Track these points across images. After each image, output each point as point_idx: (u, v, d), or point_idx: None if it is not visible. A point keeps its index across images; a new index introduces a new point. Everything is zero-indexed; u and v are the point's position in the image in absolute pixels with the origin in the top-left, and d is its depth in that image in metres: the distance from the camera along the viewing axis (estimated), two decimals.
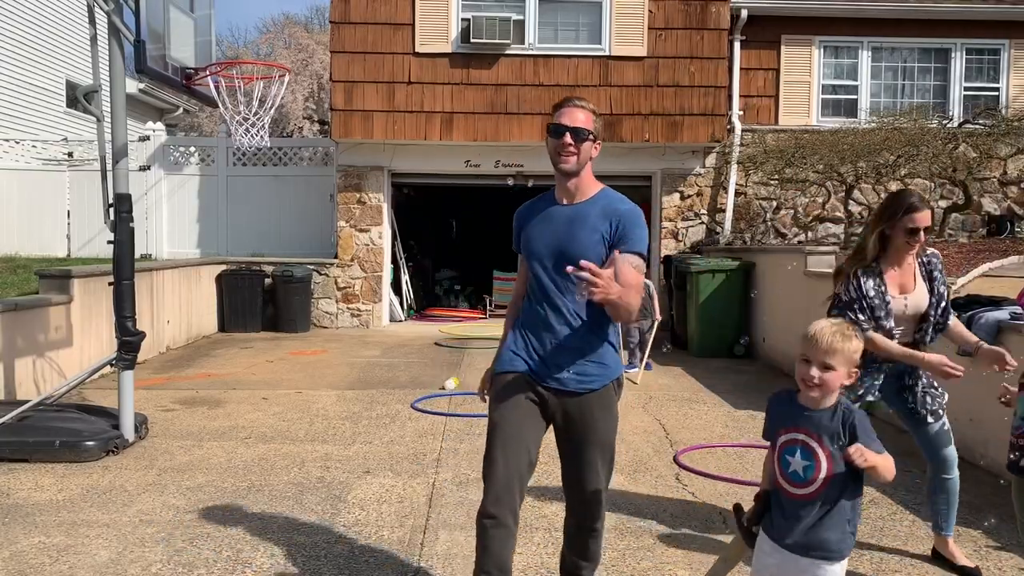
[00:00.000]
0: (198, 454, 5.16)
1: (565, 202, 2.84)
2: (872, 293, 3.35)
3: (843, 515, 2.28)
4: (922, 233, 3.33)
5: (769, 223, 11.73)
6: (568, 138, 2.75)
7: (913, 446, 5.55)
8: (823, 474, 2.27)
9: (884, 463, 2.28)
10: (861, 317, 3.33)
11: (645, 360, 8.31)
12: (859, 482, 2.31)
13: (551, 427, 2.87)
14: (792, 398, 2.38)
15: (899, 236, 3.34)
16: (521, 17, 11.01)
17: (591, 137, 2.78)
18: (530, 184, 11.45)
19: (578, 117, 2.77)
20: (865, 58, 11.88)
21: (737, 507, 2.55)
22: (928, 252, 3.49)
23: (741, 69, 11.66)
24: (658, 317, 8.37)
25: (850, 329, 2.33)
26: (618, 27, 11.06)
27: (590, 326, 2.79)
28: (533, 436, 2.78)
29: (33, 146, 12.80)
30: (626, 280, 2.61)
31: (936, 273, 3.46)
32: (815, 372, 2.28)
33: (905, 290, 3.41)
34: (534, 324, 2.82)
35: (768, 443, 2.47)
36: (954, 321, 3.48)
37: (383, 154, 11.54)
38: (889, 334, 3.36)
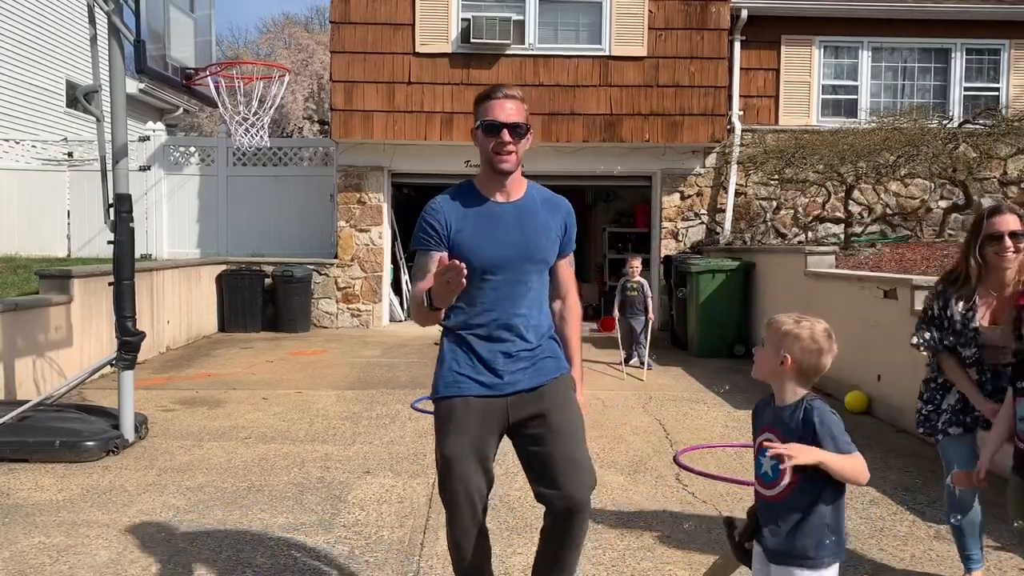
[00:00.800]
0: (198, 454, 5.16)
1: (502, 199, 2.61)
2: (957, 317, 3.09)
3: (821, 520, 2.13)
4: (1008, 239, 2.94)
5: (769, 223, 11.73)
6: (506, 135, 2.52)
7: (916, 447, 5.56)
8: (788, 476, 2.12)
9: (841, 462, 2.08)
10: (936, 335, 3.13)
11: (646, 360, 8.37)
12: (838, 486, 2.15)
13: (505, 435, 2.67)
14: (771, 401, 2.28)
15: (986, 248, 3.00)
16: (521, 17, 11.01)
17: (527, 132, 2.57)
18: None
19: (511, 110, 2.54)
20: (865, 58, 11.88)
21: (728, 521, 2.42)
22: None
23: (741, 69, 11.66)
24: (651, 316, 8.66)
25: (803, 324, 2.18)
26: (618, 27, 11.06)
27: (542, 329, 2.67)
28: (490, 456, 2.61)
29: (33, 146, 12.80)
30: (571, 286, 2.78)
31: None
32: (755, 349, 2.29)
33: (997, 320, 3.05)
34: (480, 337, 2.58)
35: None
36: None
37: (383, 154, 11.54)
38: (963, 361, 3.13)
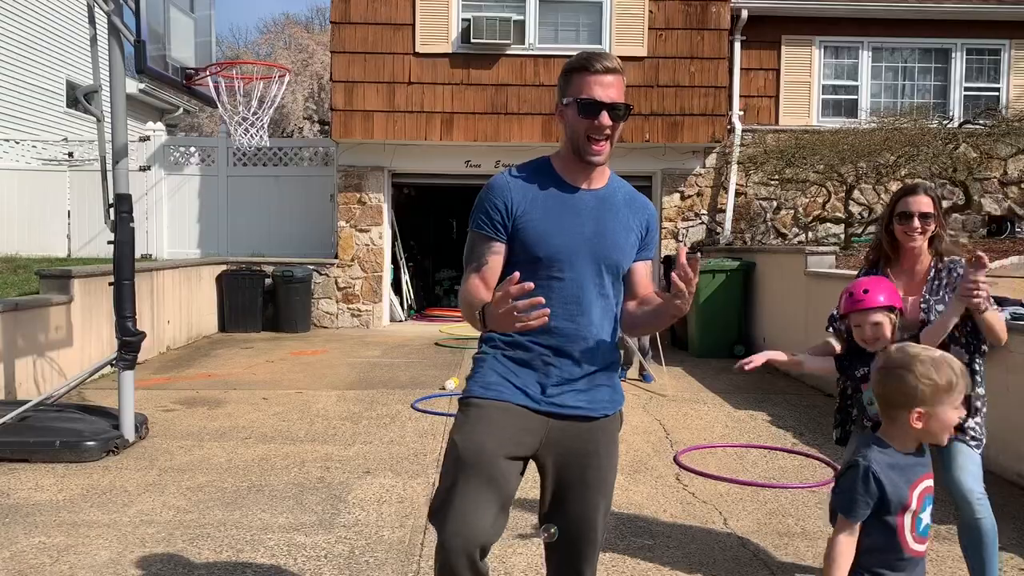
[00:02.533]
0: (198, 454, 5.16)
1: (583, 185, 2.23)
2: None
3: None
4: (917, 220, 2.95)
5: (769, 223, 11.73)
6: (606, 119, 2.11)
7: None
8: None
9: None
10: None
11: (647, 369, 7.85)
12: None
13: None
14: (885, 446, 2.04)
15: (894, 225, 3.01)
16: (521, 17, 11.01)
17: (627, 113, 2.17)
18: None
19: (612, 88, 2.11)
20: (865, 58, 11.88)
21: None
22: (951, 259, 3.01)
23: (741, 69, 11.66)
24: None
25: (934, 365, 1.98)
26: (618, 27, 11.06)
27: (611, 342, 2.26)
28: (518, 476, 2.18)
29: (33, 146, 12.80)
30: (650, 288, 2.33)
31: (951, 279, 2.95)
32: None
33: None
34: (537, 345, 2.18)
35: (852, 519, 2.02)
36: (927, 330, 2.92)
37: (383, 154, 11.54)
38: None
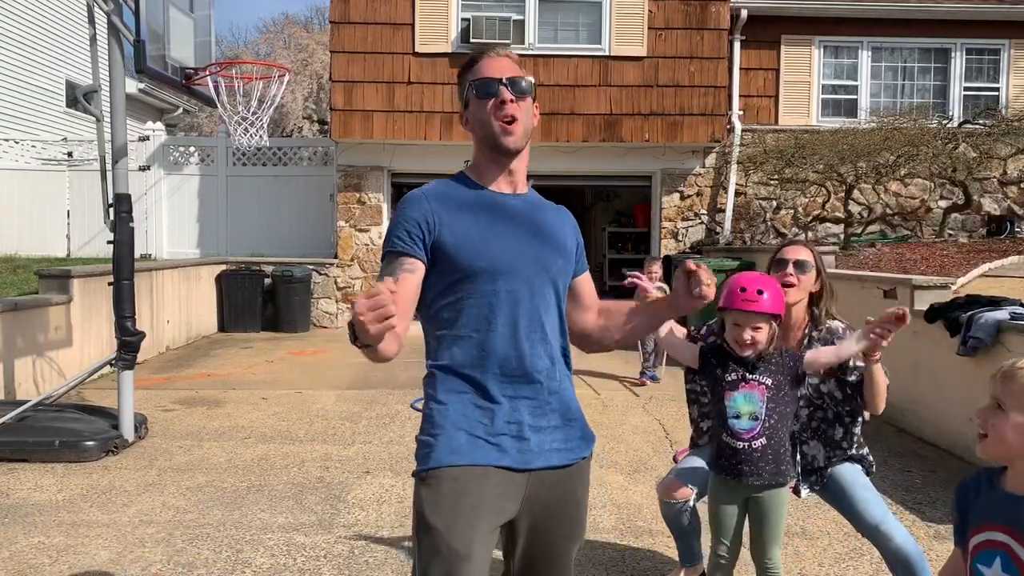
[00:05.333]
0: (198, 454, 5.16)
1: (507, 190, 1.96)
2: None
3: None
4: (791, 267, 2.82)
5: (769, 223, 11.73)
6: (506, 93, 1.88)
7: (916, 447, 5.57)
8: None
9: None
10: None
11: (652, 371, 7.67)
12: None
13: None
14: (993, 481, 1.65)
15: (772, 272, 2.86)
16: (521, 17, 11.01)
17: (531, 93, 1.94)
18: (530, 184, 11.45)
19: (508, 67, 1.92)
20: (865, 58, 11.88)
21: None
22: (837, 325, 2.87)
23: (741, 69, 11.66)
24: None
25: None
26: (618, 27, 11.05)
27: (568, 366, 1.98)
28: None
29: (33, 146, 12.79)
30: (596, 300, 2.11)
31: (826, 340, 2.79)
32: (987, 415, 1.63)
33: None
34: (494, 375, 1.84)
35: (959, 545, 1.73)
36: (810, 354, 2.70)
37: (383, 154, 11.54)
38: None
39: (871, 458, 2.99)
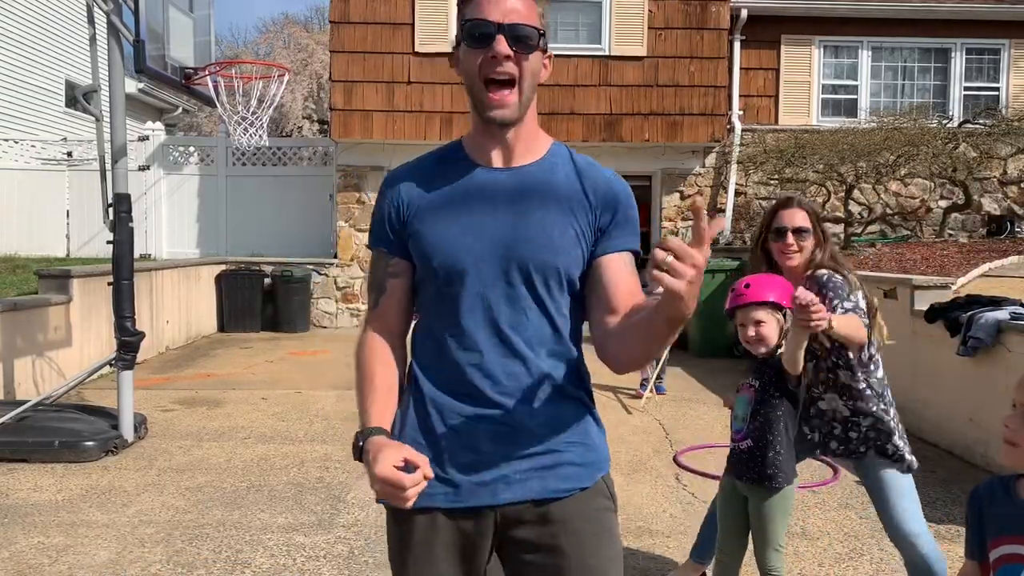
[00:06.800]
0: (197, 454, 5.16)
1: (499, 163, 1.59)
2: None
3: None
4: (791, 235, 2.75)
5: None
6: (503, 44, 1.47)
7: (915, 447, 5.56)
8: None
9: None
10: None
11: (655, 376, 7.02)
12: None
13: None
14: (1009, 490, 1.58)
15: (770, 242, 2.81)
16: None
17: (540, 43, 1.53)
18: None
19: (513, 7, 1.48)
20: (865, 58, 11.88)
21: None
22: (821, 273, 2.73)
23: (741, 69, 11.66)
24: None
25: None
26: (618, 27, 11.05)
27: (562, 374, 1.57)
28: None
29: (33, 146, 12.79)
30: (635, 296, 1.59)
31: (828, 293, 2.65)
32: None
33: None
34: (448, 393, 1.55)
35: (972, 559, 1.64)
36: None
37: (383, 154, 11.53)
38: None
39: (910, 457, 2.83)
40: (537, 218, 1.55)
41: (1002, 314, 4.88)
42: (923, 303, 5.69)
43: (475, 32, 1.48)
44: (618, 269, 1.59)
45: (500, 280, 1.54)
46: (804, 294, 2.25)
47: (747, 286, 2.55)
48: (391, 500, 1.36)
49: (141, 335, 5.44)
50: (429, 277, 1.57)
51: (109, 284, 5.41)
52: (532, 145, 1.61)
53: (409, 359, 1.64)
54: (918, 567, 2.79)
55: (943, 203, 11.18)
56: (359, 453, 1.45)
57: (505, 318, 1.53)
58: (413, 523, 1.54)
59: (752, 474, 2.61)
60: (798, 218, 2.77)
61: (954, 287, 6.40)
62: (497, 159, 1.59)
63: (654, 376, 7.01)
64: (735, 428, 2.66)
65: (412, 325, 1.65)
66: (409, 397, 1.60)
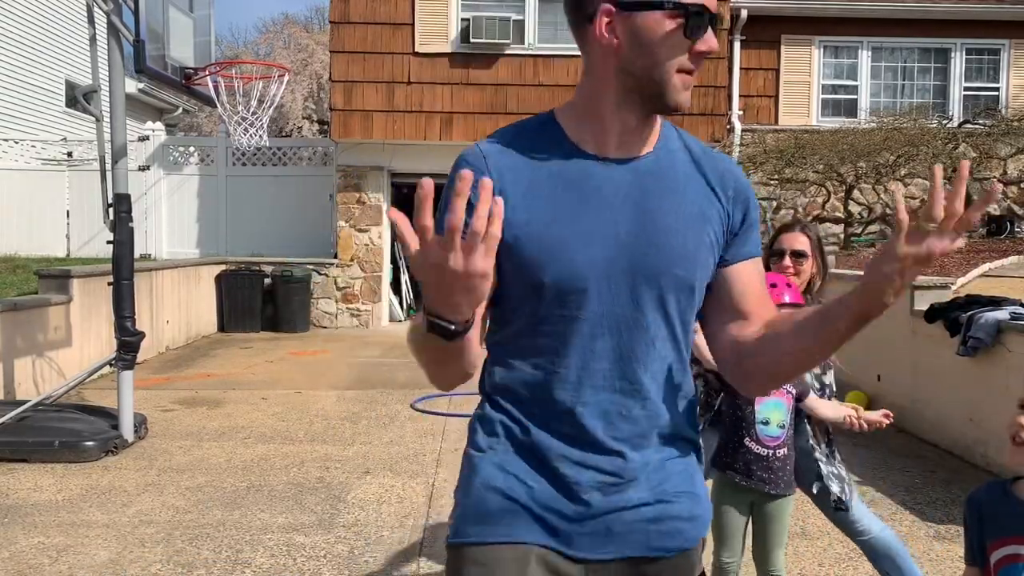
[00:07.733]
0: (197, 454, 5.16)
1: (616, 153, 1.30)
2: None
3: None
4: (788, 257, 2.75)
5: (769, 223, 11.73)
6: (715, 41, 1.27)
7: (915, 447, 5.57)
8: None
9: None
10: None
11: None
12: None
13: None
14: (1007, 492, 1.58)
15: (770, 263, 2.80)
16: (521, 17, 11.00)
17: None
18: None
19: None
20: (865, 58, 11.88)
21: None
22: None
23: (741, 69, 11.66)
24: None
25: None
26: None
27: (680, 410, 1.36)
28: None
29: (33, 146, 12.79)
30: (766, 307, 1.36)
31: None
32: None
33: None
34: (547, 428, 1.30)
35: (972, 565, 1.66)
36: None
37: (383, 154, 11.53)
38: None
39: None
40: (668, 224, 1.29)
41: (1002, 314, 4.88)
42: (923, 303, 5.69)
43: (700, 22, 1.23)
44: (750, 277, 1.35)
45: (627, 301, 1.28)
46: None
47: (773, 286, 2.49)
48: (448, 270, 1.07)
49: (141, 335, 5.44)
50: (530, 294, 1.27)
51: (109, 284, 5.41)
52: (648, 131, 1.33)
53: (486, 388, 1.37)
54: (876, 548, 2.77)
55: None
56: (425, 317, 1.13)
57: (629, 349, 1.29)
58: (500, 555, 1.28)
59: (783, 481, 2.55)
60: (798, 242, 2.79)
61: (954, 287, 6.40)
62: (614, 149, 1.30)
63: None
64: (769, 434, 2.53)
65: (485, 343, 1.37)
66: (492, 432, 1.33)
